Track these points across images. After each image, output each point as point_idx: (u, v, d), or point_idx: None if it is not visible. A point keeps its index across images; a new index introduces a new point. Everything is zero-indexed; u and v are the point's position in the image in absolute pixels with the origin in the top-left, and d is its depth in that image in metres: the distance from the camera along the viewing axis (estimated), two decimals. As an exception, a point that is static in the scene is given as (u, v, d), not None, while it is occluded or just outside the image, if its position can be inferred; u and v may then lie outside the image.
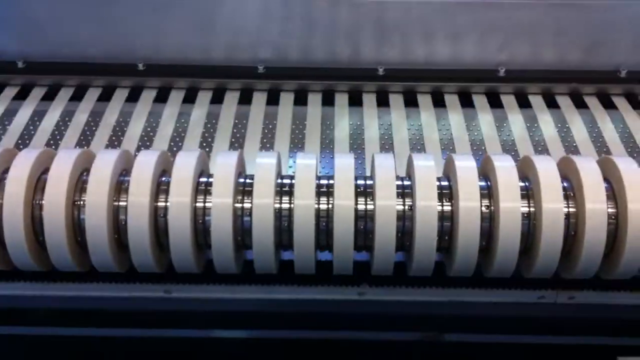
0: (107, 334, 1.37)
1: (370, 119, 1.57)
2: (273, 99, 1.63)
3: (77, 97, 1.61)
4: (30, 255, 1.11)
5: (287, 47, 1.64)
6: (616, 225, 1.12)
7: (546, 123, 1.56)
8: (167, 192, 1.11)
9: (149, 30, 1.62)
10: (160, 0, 1.59)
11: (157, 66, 1.65)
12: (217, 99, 1.62)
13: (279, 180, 1.15)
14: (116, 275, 1.18)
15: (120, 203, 1.11)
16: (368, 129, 1.54)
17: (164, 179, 1.15)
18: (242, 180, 1.15)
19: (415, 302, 1.29)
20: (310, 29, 1.62)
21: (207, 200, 1.12)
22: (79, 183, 1.12)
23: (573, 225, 1.12)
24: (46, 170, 1.12)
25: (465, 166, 1.15)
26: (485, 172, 1.18)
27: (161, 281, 1.24)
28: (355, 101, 1.63)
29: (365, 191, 1.14)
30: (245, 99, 1.62)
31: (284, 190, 1.14)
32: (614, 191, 1.14)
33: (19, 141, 1.47)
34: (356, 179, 1.15)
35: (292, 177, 1.15)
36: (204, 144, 1.47)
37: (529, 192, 1.14)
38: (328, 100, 1.63)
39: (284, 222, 1.12)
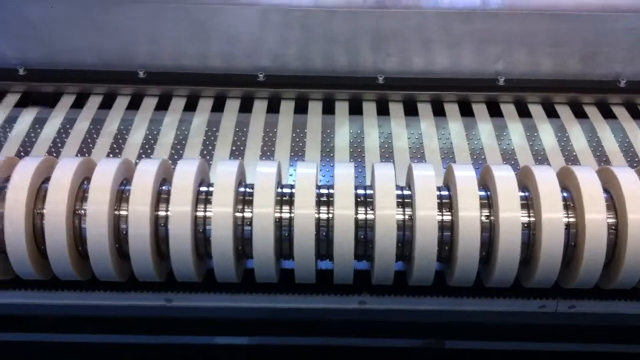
0: (108, 341, 1.37)
1: (370, 127, 1.57)
2: (274, 107, 1.63)
3: (78, 104, 1.61)
4: (32, 265, 1.11)
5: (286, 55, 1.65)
6: (616, 235, 1.12)
7: (546, 132, 1.56)
8: (167, 201, 1.11)
9: (149, 38, 1.63)
10: (160, 8, 1.59)
11: (158, 74, 1.66)
12: (218, 107, 1.62)
13: (279, 190, 1.15)
14: (117, 284, 1.18)
15: (121, 212, 1.11)
16: (368, 138, 1.54)
17: (164, 187, 1.15)
18: (242, 189, 1.15)
19: (416, 311, 1.28)
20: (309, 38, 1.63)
21: (207, 209, 1.12)
22: (79, 192, 1.12)
23: (573, 236, 1.12)
24: (47, 179, 1.12)
25: (465, 176, 1.15)
26: (485, 182, 1.19)
27: (162, 290, 1.23)
28: (356, 109, 1.64)
29: (365, 201, 1.15)
30: (246, 107, 1.63)
31: (284, 199, 1.14)
32: (614, 201, 1.14)
33: (20, 149, 1.47)
34: (356, 188, 1.16)
35: (292, 186, 1.15)
36: (205, 152, 1.47)
37: (529, 202, 1.14)
38: (328, 109, 1.63)
39: (284, 232, 1.12)
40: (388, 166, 1.19)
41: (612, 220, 1.12)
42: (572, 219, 1.13)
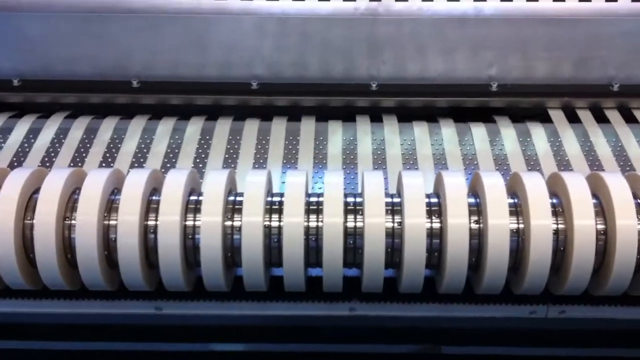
0: (98, 349, 1.38)
1: (363, 134, 1.58)
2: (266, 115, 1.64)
3: (72, 114, 1.63)
4: (21, 275, 1.12)
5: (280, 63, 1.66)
6: (605, 241, 1.12)
7: (538, 137, 1.56)
8: (157, 210, 1.12)
9: (143, 48, 1.64)
10: (153, 19, 1.60)
11: (152, 83, 1.67)
12: (211, 115, 1.63)
13: (269, 198, 1.16)
14: (107, 292, 1.19)
15: (111, 222, 1.12)
16: (361, 144, 1.55)
17: (154, 197, 1.16)
18: (232, 198, 1.16)
19: (406, 318, 1.29)
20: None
21: (196, 218, 1.13)
22: (69, 202, 1.13)
23: (562, 242, 1.13)
24: (38, 190, 1.13)
25: (455, 183, 1.15)
26: (475, 189, 1.19)
27: (152, 298, 1.24)
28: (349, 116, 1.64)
29: (355, 209, 1.15)
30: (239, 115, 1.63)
31: (274, 208, 1.14)
32: (603, 207, 1.14)
33: (14, 159, 1.48)
34: (345, 196, 1.16)
35: (282, 195, 1.15)
36: (198, 160, 1.48)
37: (518, 209, 1.15)
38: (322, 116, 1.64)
39: (273, 240, 1.12)
40: (377, 174, 1.19)
41: (601, 227, 1.13)
42: (561, 226, 1.13)
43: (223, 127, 1.58)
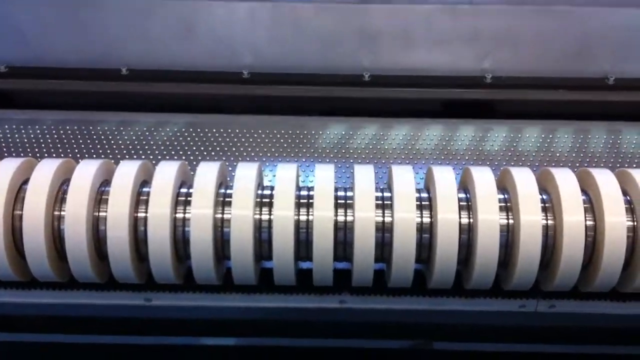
0: (86, 341, 1.38)
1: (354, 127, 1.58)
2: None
3: (61, 102, 1.61)
4: (10, 266, 1.11)
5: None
6: (594, 237, 1.13)
7: (532, 132, 1.57)
8: (147, 203, 1.11)
9: (133, 35, 1.62)
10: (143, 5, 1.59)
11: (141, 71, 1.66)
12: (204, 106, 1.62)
13: (259, 192, 1.15)
14: (96, 283, 1.19)
15: (100, 214, 1.11)
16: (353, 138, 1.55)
17: (144, 189, 1.15)
18: (222, 191, 1.16)
19: (397, 311, 1.29)
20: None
21: (186, 211, 1.12)
22: (59, 193, 1.13)
23: (551, 238, 1.13)
24: (27, 180, 1.12)
25: (444, 178, 1.15)
26: (465, 184, 1.19)
27: (141, 289, 1.24)
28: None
29: (345, 203, 1.15)
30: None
31: (264, 201, 1.14)
32: (592, 204, 1.15)
33: (4, 149, 1.47)
34: (336, 190, 1.16)
35: (272, 188, 1.15)
36: (189, 153, 1.47)
37: (508, 205, 1.15)
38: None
39: (263, 234, 1.12)
40: (368, 168, 1.19)
41: (590, 223, 1.13)
42: (550, 222, 1.13)
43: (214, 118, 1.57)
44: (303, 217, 1.13)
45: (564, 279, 1.14)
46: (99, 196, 1.13)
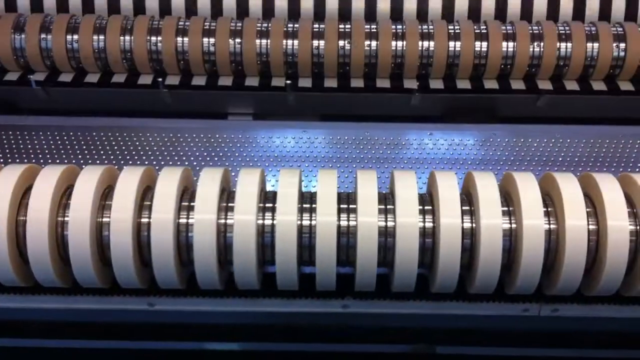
0: (90, 346, 1.38)
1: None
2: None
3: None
4: (14, 271, 1.11)
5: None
6: (597, 242, 1.13)
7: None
8: (150, 208, 1.12)
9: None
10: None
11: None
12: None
13: (262, 197, 1.16)
14: (99, 288, 1.19)
15: (104, 220, 1.11)
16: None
17: (148, 195, 1.15)
18: (225, 196, 1.16)
19: (399, 315, 1.29)
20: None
21: (190, 216, 1.12)
22: (62, 200, 1.13)
23: (554, 242, 1.13)
24: (31, 187, 1.13)
25: (447, 183, 1.15)
26: (467, 189, 1.19)
27: (144, 294, 1.24)
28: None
29: (348, 207, 1.15)
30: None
31: (267, 206, 1.14)
32: (595, 208, 1.15)
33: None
34: (339, 195, 1.16)
35: (275, 193, 1.15)
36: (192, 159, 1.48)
37: (510, 209, 1.15)
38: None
39: (266, 239, 1.12)
40: (371, 173, 1.19)
41: (592, 227, 1.13)
42: (553, 226, 1.13)
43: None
44: (306, 222, 1.13)
45: (567, 283, 1.14)
46: (103, 202, 1.13)
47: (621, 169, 1.48)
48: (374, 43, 1.77)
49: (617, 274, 1.12)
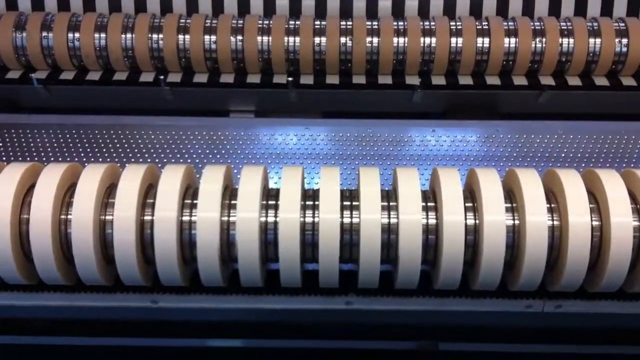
0: (93, 343, 1.38)
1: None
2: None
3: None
4: (17, 269, 1.12)
5: None
6: (600, 238, 1.12)
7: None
8: (153, 206, 1.12)
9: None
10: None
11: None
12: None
13: (265, 194, 1.16)
14: (103, 285, 1.19)
15: (107, 217, 1.11)
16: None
17: (151, 192, 1.15)
18: (228, 194, 1.16)
19: (402, 312, 1.29)
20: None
21: (193, 214, 1.12)
22: (65, 198, 1.13)
23: (557, 238, 1.13)
24: (34, 185, 1.13)
25: (450, 179, 1.15)
26: (470, 185, 1.19)
27: (148, 291, 1.24)
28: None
29: (351, 204, 1.15)
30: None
31: (270, 203, 1.14)
32: (598, 204, 1.14)
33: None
34: (342, 192, 1.16)
35: (277, 191, 1.15)
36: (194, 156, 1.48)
37: (514, 205, 1.15)
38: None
39: (269, 236, 1.12)
40: (374, 170, 1.19)
41: (596, 223, 1.13)
42: (556, 222, 1.13)
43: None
44: (309, 219, 1.13)
45: (571, 279, 1.14)
46: (106, 200, 1.13)
47: (624, 165, 1.48)
48: (375, 40, 1.77)
49: (620, 270, 1.12)
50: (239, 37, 1.77)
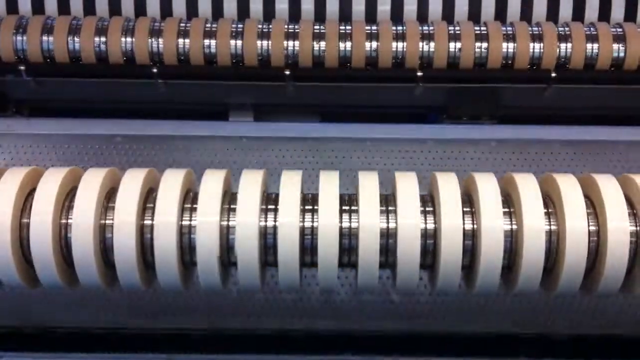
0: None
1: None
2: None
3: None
4: (18, 274, 1.12)
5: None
6: (597, 243, 1.13)
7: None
8: (153, 211, 1.12)
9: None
10: None
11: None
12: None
13: (264, 198, 1.16)
14: (118, 345, 1.18)
15: (107, 222, 1.12)
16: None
17: (151, 197, 1.16)
18: (228, 198, 1.16)
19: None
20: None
21: (193, 219, 1.13)
22: (66, 202, 1.13)
23: (554, 243, 1.13)
24: (34, 190, 1.13)
25: (448, 184, 1.16)
26: (468, 190, 1.20)
27: (163, 350, 1.23)
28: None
29: (350, 209, 1.16)
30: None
31: (269, 207, 1.15)
32: (595, 209, 1.15)
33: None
34: (341, 196, 1.16)
35: (276, 195, 1.16)
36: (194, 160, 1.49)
37: (511, 210, 1.15)
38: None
39: (268, 241, 1.13)
40: (373, 174, 1.20)
41: (593, 228, 1.13)
42: (553, 227, 1.14)
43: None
44: (308, 224, 1.13)
45: (567, 284, 1.14)
46: (106, 204, 1.14)
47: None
48: (374, 44, 1.78)
49: (617, 275, 1.13)
50: (239, 41, 1.79)
